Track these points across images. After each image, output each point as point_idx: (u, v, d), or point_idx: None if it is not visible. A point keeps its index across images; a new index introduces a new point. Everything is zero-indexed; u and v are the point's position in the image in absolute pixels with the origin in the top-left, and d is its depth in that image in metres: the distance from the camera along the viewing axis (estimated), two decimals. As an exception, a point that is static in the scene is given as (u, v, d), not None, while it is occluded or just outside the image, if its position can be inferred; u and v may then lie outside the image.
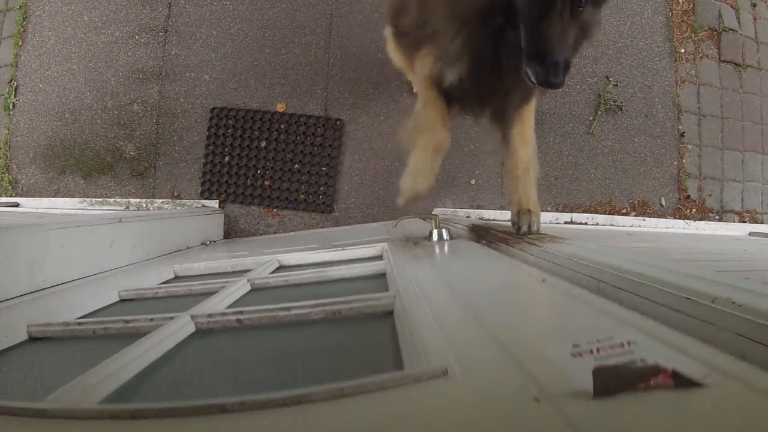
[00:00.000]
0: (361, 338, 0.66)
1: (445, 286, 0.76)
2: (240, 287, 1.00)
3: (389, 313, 0.72)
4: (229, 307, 0.89)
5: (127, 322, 0.78)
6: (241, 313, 0.75)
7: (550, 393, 0.36)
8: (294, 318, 0.74)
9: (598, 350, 0.42)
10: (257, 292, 1.03)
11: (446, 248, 1.19)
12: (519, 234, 1.22)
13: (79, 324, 0.81)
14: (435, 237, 1.31)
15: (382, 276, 1.02)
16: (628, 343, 0.42)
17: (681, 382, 0.35)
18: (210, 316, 0.76)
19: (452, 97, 1.29)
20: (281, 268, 1.32)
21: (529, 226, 1.21)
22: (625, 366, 0.38)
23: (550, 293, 0.67)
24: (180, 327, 0.72)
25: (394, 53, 1.63)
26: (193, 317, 0.76)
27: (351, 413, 0.39)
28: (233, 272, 1.35)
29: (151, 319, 0.77)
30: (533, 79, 0.94)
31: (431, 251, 1.15)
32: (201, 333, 0.74)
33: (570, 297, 0.62)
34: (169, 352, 0.66)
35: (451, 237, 1.32)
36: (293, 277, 1.06)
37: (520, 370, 0.41)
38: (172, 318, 0.76)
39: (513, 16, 0.97)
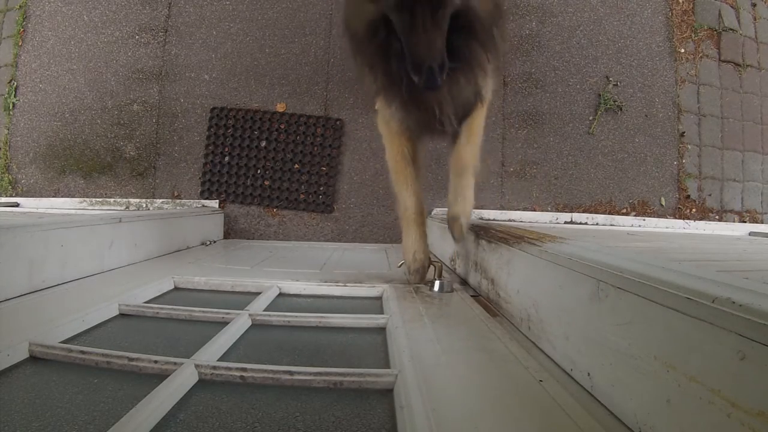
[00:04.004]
0: (362, 416, 0.67)
1: (446, 367, 0.78)
2: (241, 324, 1.00)
3: (389, 390, 0.73)
4: (232, 348, 0.90)
5: (131, 359, 0.78)
6: (244, 370, 0.76)
7: None
8: (297, 383, 0.75)
9: None
10: (258, 329, 1.03)
11: (447, 306, 1.20)
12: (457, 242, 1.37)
13: (82, 352, 0.81)
14: (436, 287, 1.34)
15: (382, 330, 1.03)
16: None
17: None
18: (214, 368, 0.76)
19: (416, 129, 1.39)
20: (282, 296, 1.33)
21: (459, 238, 1.37)
22: None
23: (544, 399, 0.68)
24: (185, 378, 0.73)
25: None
26: (197, 366, 0.76)
27: None
28: (234, 293, 1.36)
29: (155, 362, 0.77)
30: (421, 86, 1.03)
31: (432, 308, 1.16)
32: (204, 384, 0.75)
33: (562, 411, 0.64)
34: (175, 408, 0.66)
35: (452, 288, 1.34)
36: (294, 319, 1.06)
37: None
38: (176, 363, 0.76)
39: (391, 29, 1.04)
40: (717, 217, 2.71)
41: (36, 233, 1.19)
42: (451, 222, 1.37)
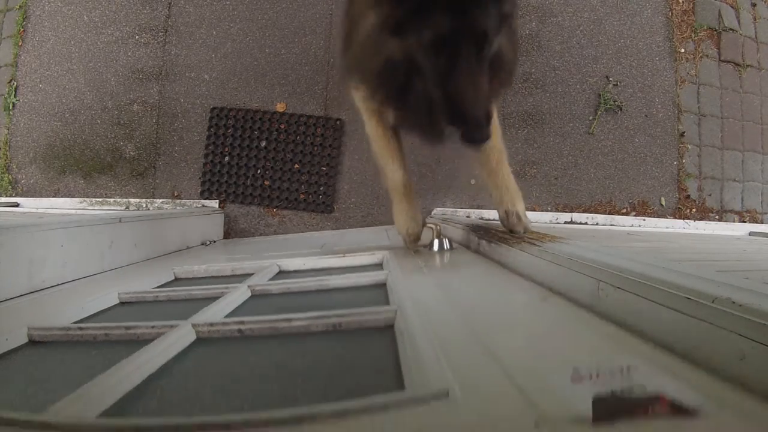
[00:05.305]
0: (362, 352, 0.67)
1: (445, 303, 0.77)
2: (240, 294, 0.99)
3: (390, 327, 0.72)
4: (230, 314, 0.89)
5: (128, 328, 0.78)
6: (242, 323, 0.75)
7: (551, 418, 0.36)
8: (294, 329, 0.74)
9: (597, 375, 0.43)
10: (258, 299, 1.03)
11: (446, 259, 1.20)
12: (512, 234, 1.25)
13: (80, 329, 0.80)
14: (435, 246, 1.33)
15: (382, 286, 1.03)
16: (628, 369, 0.44)
17: (677, 411, 0.36)
18: (211, 325, 0.76)
19: (404, 129, 1.35)
20: (281, 273, 1.32)
21: (524, 229, 1.25)
22: (625, 393, 0.39)
23: (550, 313, 0.67)
24: (181, 336, 0.72)
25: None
26: (194, 326, 0.75)
27: (355, 433, 0.39)
28: (233, 276, 1.35)
29: (152, 327, 0.77)
30: (460, 138, 0.92)
31: (432, 262, 1.16)
32: (202, 342, 0.74)
33: (570, 318, 0.63)
34: (170, 362, 0.66)
35: (452, 246, 1.33)
36: (294, 284, 1.06)
37: (520, 395, 0.41)
38: (173, 326, 0.76)
39: (416, 68, 0.93)
40: (717, 217, 2.71)
41: (36, 233, 1.19)
42: (507, 218, 1.27)
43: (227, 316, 0.88)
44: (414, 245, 1.40)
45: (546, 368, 0.48)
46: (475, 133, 0.89)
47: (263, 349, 0.71)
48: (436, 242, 1.33)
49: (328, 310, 0.90)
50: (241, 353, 0.70)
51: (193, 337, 0.74)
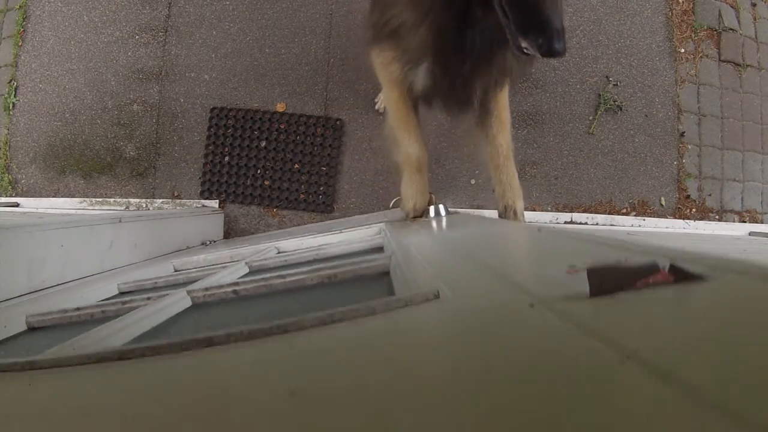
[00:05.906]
0: (358, 298, 0.66)
1: (439, 242, 0.78)
2: (238, 269, 1.01)
3: (385, 273, 0.72)
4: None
5: (125, 303, 0.78)
6: (237, 284, 0.76)
7: (546, 298, 0.34)
8: (290, 285, 0.74)
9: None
10: (255, 273, 1.04)
11: (444, 221, 1.20)
12: None
13: (77, 309, 0.81)
14: (432, 213, 1.33)
15: (379, 249, 1.04)
16: (626, 258, 0.41)
17: (681, 277, 0.34)
18: (206, 289, 0.76)
19: (428, 97, 1.34)
20: (280, 254, 1.33)
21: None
22: (622, 266, 0.36)
23: (545, 236, 0.67)
24: (175, 301, 0.72)
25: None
26: (189, 292, 0.76)
27: (340, 337, 0.38)
28: (232, 262, 1.36)
29: (148, 298, 0.78)
30: (534, 52, 0.87)
31: (428, 225, 1.16)
32: (197, 307, 0.75)
33: (567, 237, 0.62)
34: (164, 324, 0.66)
35: (448, 212, 1.33)
36: (291, 257, 1.07)
37: (514, 287, 0.40)
38: (167, 294, 0.76)
39: None
40: (717, 217, 2.71)
41: (36, 233, 1.19)
42: (504, 212, 1.34)
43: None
44: (418, 212, 1.39)
45: (540, 267, 0.47)
46: (556, 42, 0.83)
47: (260, 306, 0.72)
48: (431, 209, 1.34)
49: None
50: (236, 312, 0.71)
51: (188, 302, 0.74)
